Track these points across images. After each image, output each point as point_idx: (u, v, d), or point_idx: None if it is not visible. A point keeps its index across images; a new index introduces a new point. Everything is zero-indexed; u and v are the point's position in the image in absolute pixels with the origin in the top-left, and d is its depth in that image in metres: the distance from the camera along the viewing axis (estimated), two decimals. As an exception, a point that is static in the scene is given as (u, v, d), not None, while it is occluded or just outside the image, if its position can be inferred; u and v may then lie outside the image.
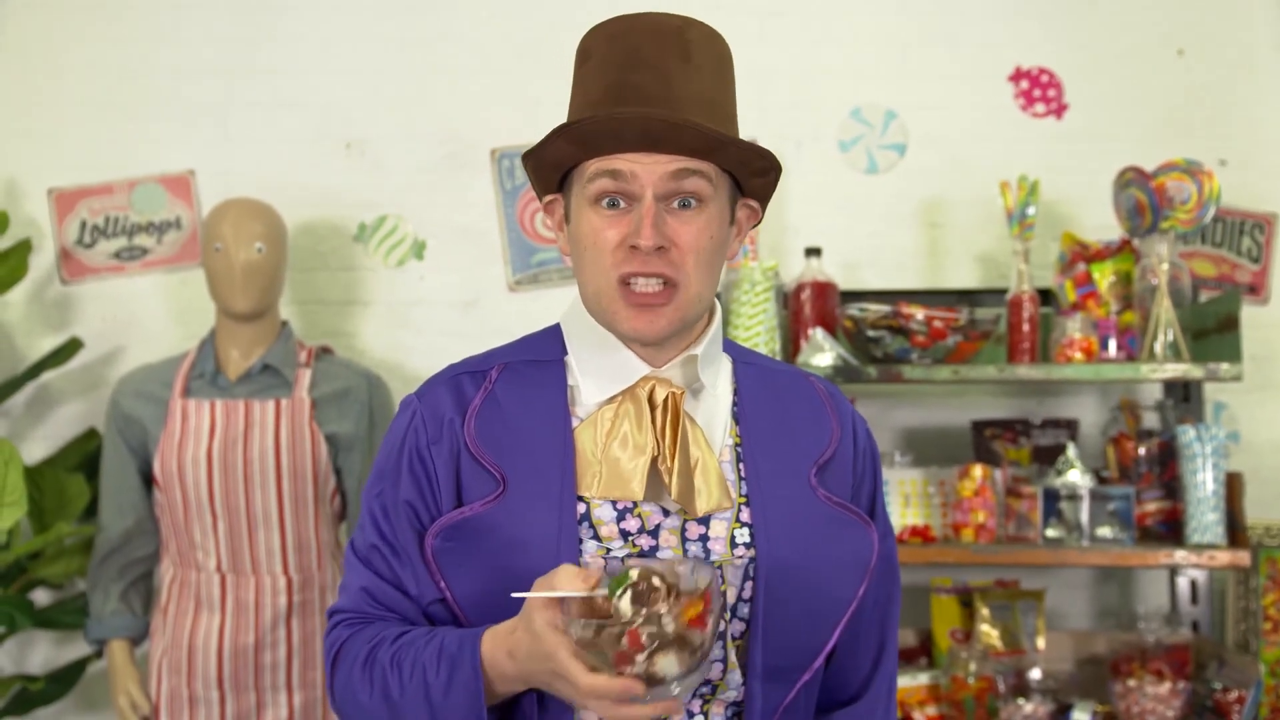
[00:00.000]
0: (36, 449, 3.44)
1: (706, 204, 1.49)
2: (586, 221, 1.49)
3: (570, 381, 1.57)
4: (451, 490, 1.50)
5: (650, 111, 1.43)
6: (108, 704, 3.35)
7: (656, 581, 1.29)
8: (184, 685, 2.88)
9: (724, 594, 1.33)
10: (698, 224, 1.48)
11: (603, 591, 1.30)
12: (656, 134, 1.44)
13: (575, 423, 1.53)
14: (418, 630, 1.49)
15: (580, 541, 1.47)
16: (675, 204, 1.48)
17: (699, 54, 1.49)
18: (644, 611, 1.26)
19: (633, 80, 1.47)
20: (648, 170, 1.46)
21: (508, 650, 1.38)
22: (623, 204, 1.48)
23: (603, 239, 1.48)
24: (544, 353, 1.59)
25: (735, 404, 1.59)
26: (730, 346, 1.66)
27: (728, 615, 1.48)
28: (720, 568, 1.48)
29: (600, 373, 1.55)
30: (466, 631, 1.44)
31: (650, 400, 1.52)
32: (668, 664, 1.27)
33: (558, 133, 1.49)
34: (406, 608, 1.52)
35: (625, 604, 1.27)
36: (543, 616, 1.32)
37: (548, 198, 1.60)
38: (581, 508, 1.49)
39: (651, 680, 1.27)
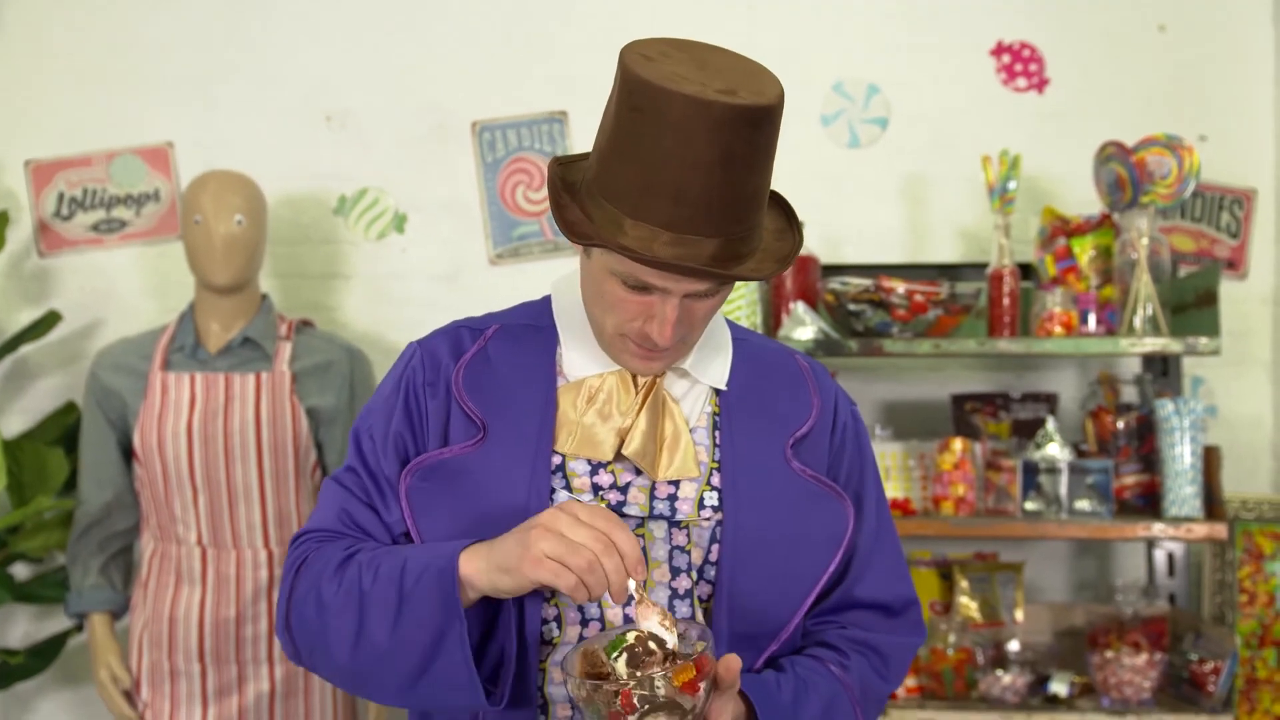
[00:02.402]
0: (15, 422, 3.43)
1: (726, 286, 1.51)
2: (608, 285, 1.48)
3: (559, 349, 1.61)
4: (439, 433, 1.55)
5: (694, 268, 1.40)
6: (88, 678, 3.35)
7: (653, 645, 1.33)
8: (165, 659, 2.88)
9: (713, 658, 1.36)
10: (712, 304, 1.51)
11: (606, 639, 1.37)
12: (689, 271, 1.42)
13: (561, 382, 1.58)
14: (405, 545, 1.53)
15: (552, 491, 1.51)
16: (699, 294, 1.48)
17: (758, 151, 1.41)
18: (638, 674, 1.31)
19: (679, 188, 1.38)
20: (678, 287, 1.45)
21: (487, 549, 1.41)
22: (647, 289, 1.47)
23: (621, 308, 1.49)
24: (540, 319, 1.64)
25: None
26: (729, 328, 1.69)
27: (694, 576, 1.52)
28: (690, 529, 1.52)
29: (586, 349, 1.59)
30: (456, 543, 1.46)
31: (635, 377, 1.57)
32: None
33: (592, 243, 1.44)
34: (380, 532, 1.56)
35: (621, 665, 1.32)
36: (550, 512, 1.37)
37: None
38: (557, 459, 1.53)
39: None
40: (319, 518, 1.59)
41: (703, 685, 1.32)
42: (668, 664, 1.32)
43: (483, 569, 1.40)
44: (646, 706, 1.30)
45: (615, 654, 1.33)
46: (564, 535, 1.34)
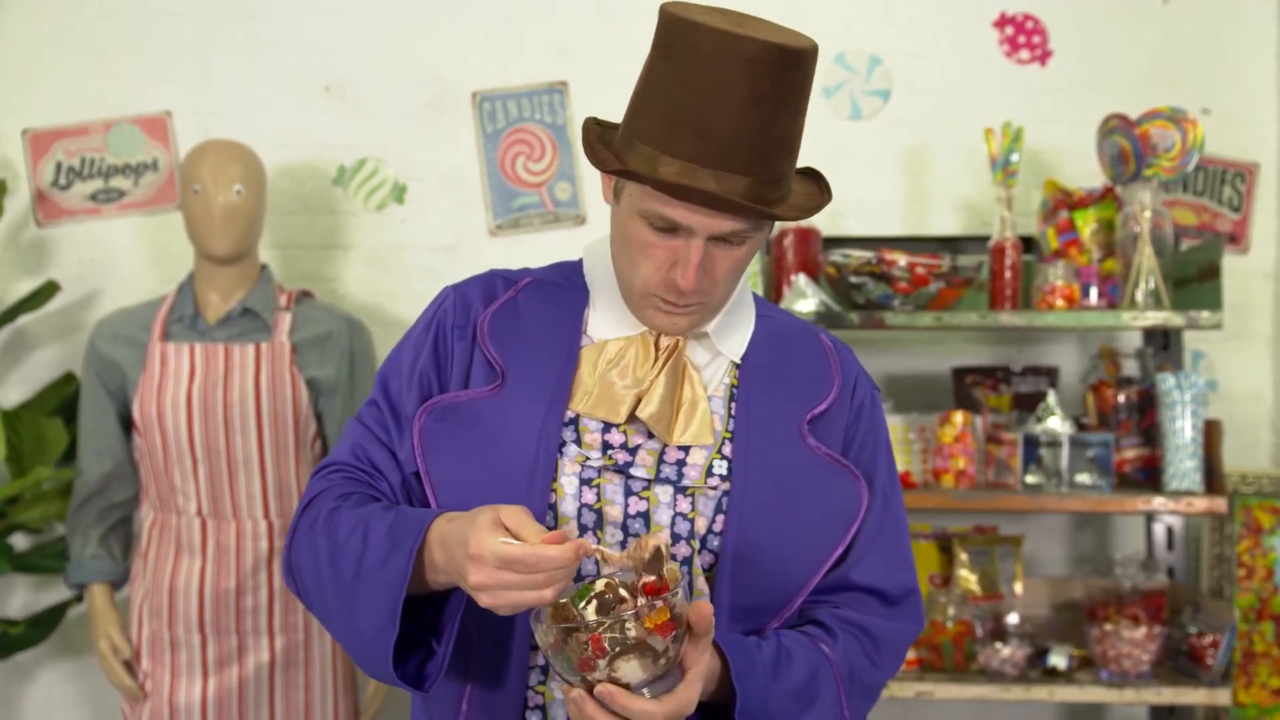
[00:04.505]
0: (13, 393, 3.42)
1: (754, 235, 1.50)
2: (636, 228, 1.50)
3: (588, 310, 1.62)
4: (461, 377, 1.57)
5: (709, 191, 1.41)
6: (88, 648, 3.35)
7: (624, 593, 1.31)
8: (165, 629, 2.88)
9: (685, 584, 1.37)
10: (739, 255, 1.51)
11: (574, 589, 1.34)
12: (713, 203, 1.43)
13: (585, 342, 1.59)
14: (390, 503, 1.54)
15: (562, 444, 1.52)
16: (725, 239, 1.49)
17: (788, 93, 1.44)
18: (608, 620, 1.29)
19: (706, 123, 1.41)
20: (702, 224, 1.46)
21: (440, 537, 1.40)
22: (673, 230, 1.48)
23: (647, 254, 1.50)
24: (572, 279, 1.65)
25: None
26: (755, 302, 1.68)
27: (696, 543, 1.52)
28: (695, 496, 1.51)
29: (613, 314, 1.60)
30: (428, 510, 1.47)
31: (656, 342, 1.57)
32: (630, 670, 1.29)
33: (623, 171, 1.47)
34: (392, 469, 1.57)
35: (590, 612, 1.30)
36: (490, 516, 1.34)
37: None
38: (570, 414, 1.54)
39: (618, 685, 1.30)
40: (337, 453, 1.61)
41: (675, 631, 1.30)
42: (639, 604, 1.30)
43: (437, 563, 1.41)
44: (617, 649, 1.29)
45: (583, 602, 1.31)
46: (494, 574, 1.32)
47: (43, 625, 3.25)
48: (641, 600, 1.30)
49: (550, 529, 1.46)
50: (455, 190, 3.48)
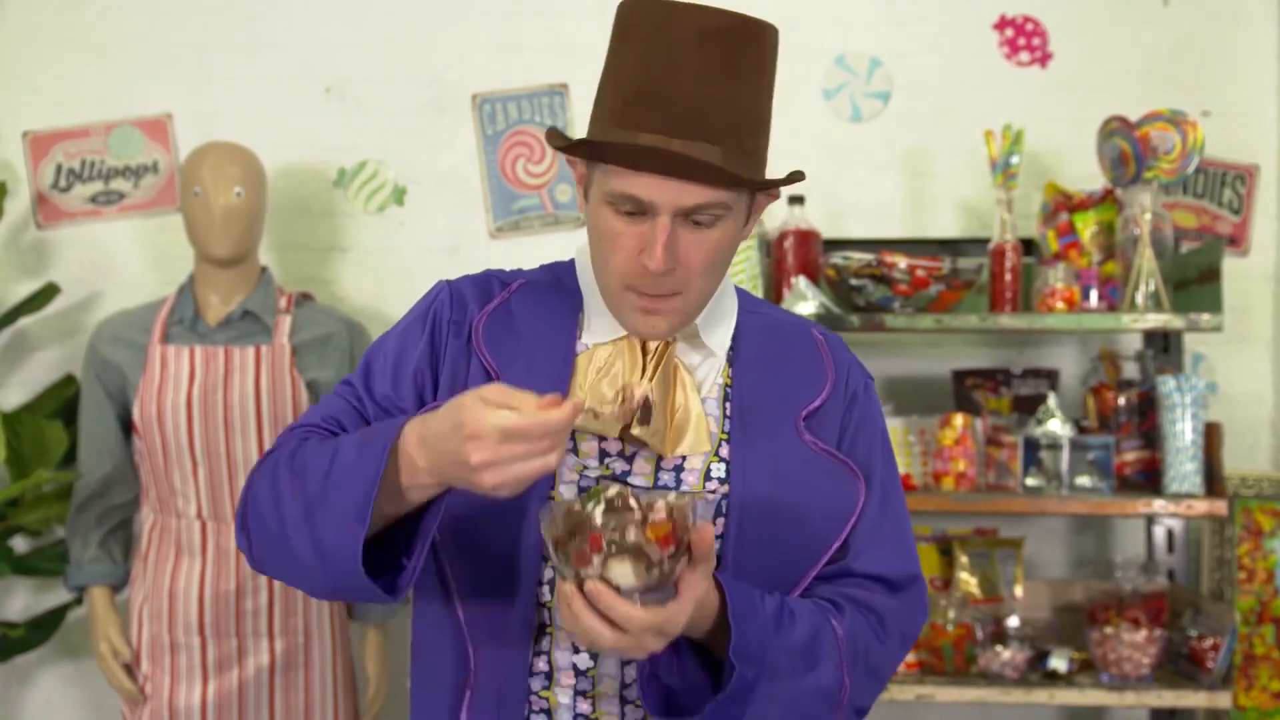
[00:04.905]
0: (13, 395, 3.42)
1: (724, 216, 1.47)
2: (603, 218, 1.48)
3: (582, 312, 1.59)
4: (451, 377, 1.54)
5: (668, 150, 1.40)
6: (88, 651, 3.34)
7: (633, 502, 1.31)
8: (165, 632, 2.88)
9: (692, 525, 1.33)
10: (711, 239, 1.47)
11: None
12: (675, 166, 1.41)
13: (580, 348, 1.56)
14: None
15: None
16: (692, 219, 1.46)
17: (743, 60, 1.44)
18: (612, 522, 1.29)
19: (663, 92, 1.42)
20: (665, 197, 1.43)
21: (419, 436, 1.37)
22: (640, 213, 1.46)
23: (617, 244, 1.47)
24: (565, 279, 1.63)
25: (731, 348, 1.60)
26: (740, 297, 1.66)
27: None
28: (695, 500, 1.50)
29: (603, 315, 1.57)
30: (398, 418, 1.43)
31: (644, 346, 1.54)
32: (622, 572, 1.29)
33: (580, 142, 1.46)
34: None
35: (598, 514, 1.30)
36: (473, 396, 1.31)
37: (569, 157, 1.57)
38: None
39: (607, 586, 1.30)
40: (307, 418, 1.57)
41: (673, 542, 1.30)
42: (644, 515, 1.30)
43: (417, 465, 1.36)
44: (613, 548, 1.29)
45: (592, 503, 1.31)
46: (498, 449, 1.29)
47: (43, 628, 3.25)
48: (652, 512, 1.31)
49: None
50: (455, 192, 3.48)
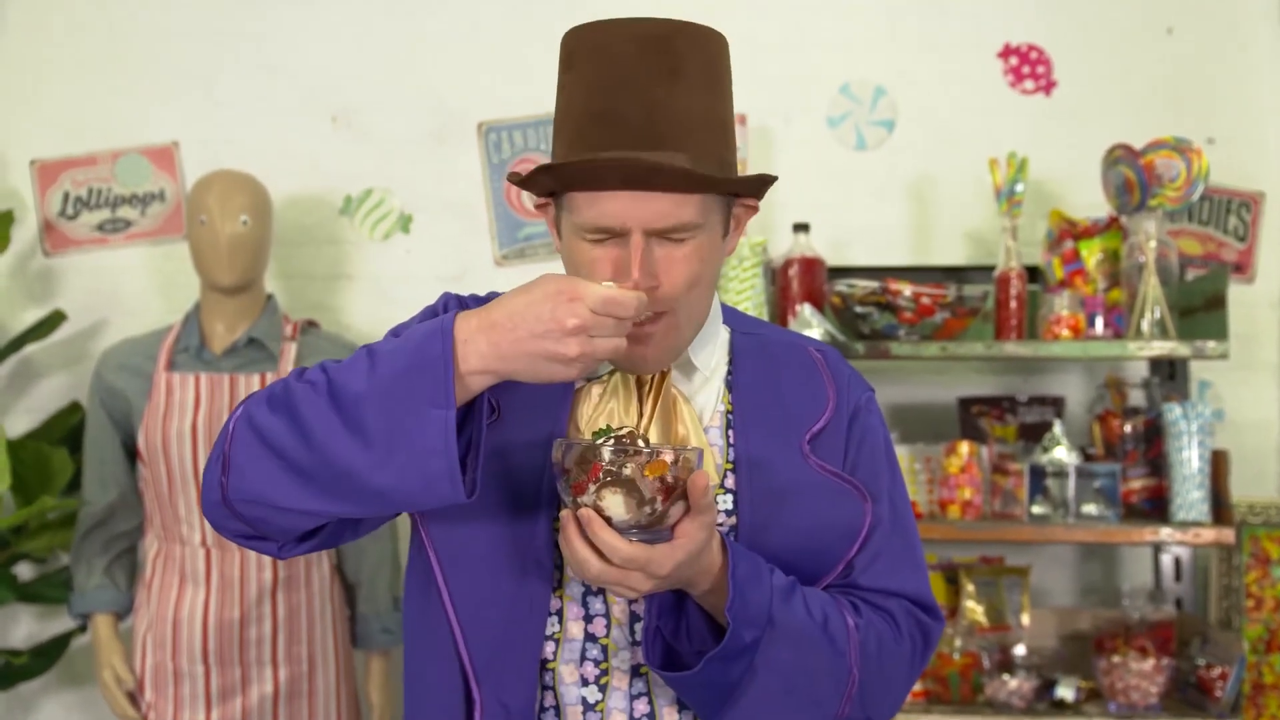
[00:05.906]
0: (19, 422, 3.42)
1: (698, 229, 1.46)
2: (578, 249, 1.47)
3: None
4: None
5: (629, 159, 1.39)
6: (92, 678, 3.34)
7: (641, 444, 1.37)
8: (169, 660, 2.87)
9: (691, 473, 1.35)
10: (687, 253, 1.45)
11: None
12: (639, 177, 1.40)
13: (578, 382, 1.53)
14: None
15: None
16: (667, 235, 1.44)
17: (689, 64, 1.43)
18: (616, 458, 1.34)
19: (615, 108, 1.42)
20: (634, 212, 1.42)
21: (487, 321, 1.35)
22: (612, 237, 1.45)
23: (594, 269, 1.46)
24: None
25: (729, 374, 1.58)
26: (732, 317, 1.64)
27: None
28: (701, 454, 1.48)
29: None
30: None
31: (638, 379, 1.52)
32: (615, 503, 1.33)
33: (542, 170, 1.45)
34: None
35: (606, 450, 1.34)
36: (554, 275, 1.34)
37: (539, 200, 1.57)
38: None
39: (599, 515, 1.34)
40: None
41: (667, 482, 1.33)
42: (645, 453, 1.35)
43: (482, 351, 1.34)
44: (608, 478, 1.33)
45: (602, 439, 1.37)
46: (594, 318, 1.31)
47: (46, 655, 3.24)
48: (662, 454, 1.35)
49: (556, 568, 1.46)
50: (461, 220, 3.49)
